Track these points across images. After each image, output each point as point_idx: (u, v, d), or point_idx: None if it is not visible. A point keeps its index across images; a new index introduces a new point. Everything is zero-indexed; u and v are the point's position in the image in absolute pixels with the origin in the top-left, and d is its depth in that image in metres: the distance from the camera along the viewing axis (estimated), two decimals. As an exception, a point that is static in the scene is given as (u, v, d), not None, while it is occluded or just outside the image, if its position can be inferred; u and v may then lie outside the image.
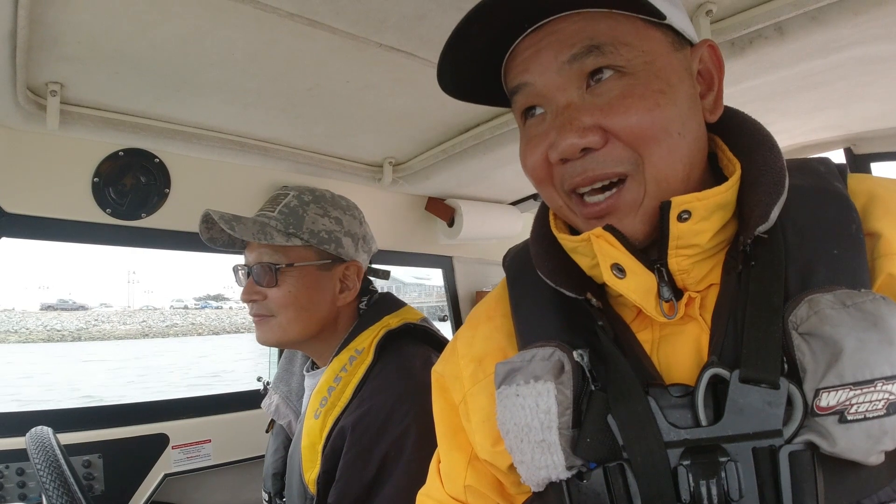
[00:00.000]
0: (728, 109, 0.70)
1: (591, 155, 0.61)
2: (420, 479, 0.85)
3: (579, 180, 0.62)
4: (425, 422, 1.02)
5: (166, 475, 1.66)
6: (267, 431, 1.43)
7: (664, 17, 0.60)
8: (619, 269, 0.61)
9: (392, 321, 1.27)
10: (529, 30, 0.63)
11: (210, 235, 1.29)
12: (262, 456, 1.57)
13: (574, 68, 0.61)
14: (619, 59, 0.60)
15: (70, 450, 1.44)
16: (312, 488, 1.15)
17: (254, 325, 1.28)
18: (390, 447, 1.09)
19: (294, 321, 1.24)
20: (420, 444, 1.07)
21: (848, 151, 1.82)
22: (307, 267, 1.25)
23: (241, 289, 1.28)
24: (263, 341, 1.28)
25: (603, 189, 0.62)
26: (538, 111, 0.66)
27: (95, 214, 1.52)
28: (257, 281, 1.24)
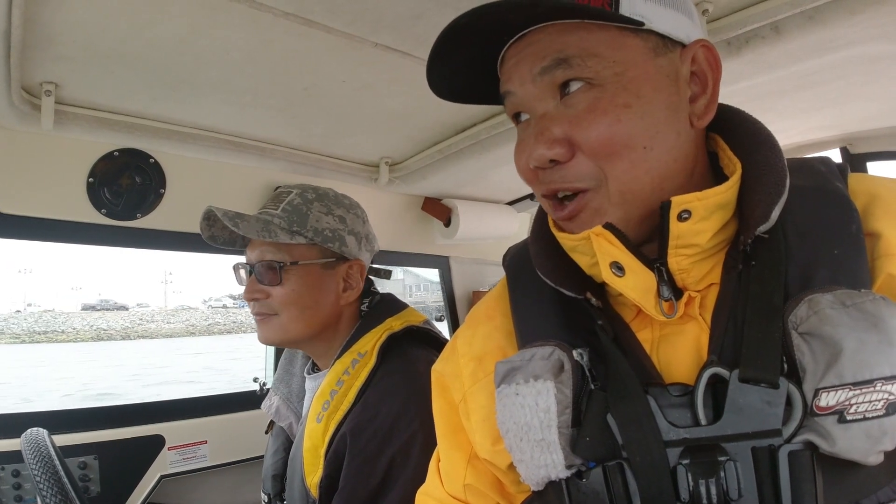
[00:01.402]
0: (729, 109, 0.70)
1: (558, 167, 0.63)
2: None
3: (547, 189, 0.65)
4: (431, 427, 1.03)
5: (162, 476, 1.66)
6: (266, 433, 1.42)
7: (641, 25, 0.60)
8: (618, 268, 0.61)
9: (395, 324, 1.26)
10: (511, 41, 0.65)
11: (211, 233, 1.28)
12: (259, 457, 1.57)
13: (545, 80, 0.62)
14: (586, 71, 0.60)
15: (65, 451, 1.44)
16: (314, 492, 1.15)
17: (257, 324, 1.26)
18: (397, 453, 1.09)
19: (297, 320, 1.23)
20: (426, 450, 1.05)
21: (844, 151, 1.83)
22: (311, 265, 1.24)
23: (243, 287, 1.27)
24: (265, 340, 1.26)
25: (569, 198, 0.64)
26: (524, 117, 0.67)
27: (91, 215, 1.52)
28: (260, 279, 1.22)
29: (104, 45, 1.13)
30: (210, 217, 1.23)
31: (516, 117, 0.69)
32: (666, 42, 0.63)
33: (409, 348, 1.23)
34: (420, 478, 0.87)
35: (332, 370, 1.21)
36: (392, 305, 1.33)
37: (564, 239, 0.67)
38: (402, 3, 1.02)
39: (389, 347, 1.20)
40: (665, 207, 0.60)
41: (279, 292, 1.22)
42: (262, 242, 1.23)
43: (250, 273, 1.25)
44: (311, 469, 1.15)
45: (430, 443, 1.05)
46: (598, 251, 0.62)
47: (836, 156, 1.83)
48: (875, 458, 0.51)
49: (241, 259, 1.31)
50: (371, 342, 1.21)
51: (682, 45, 0.65)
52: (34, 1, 0.96)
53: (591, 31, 0.60)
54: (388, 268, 1.47)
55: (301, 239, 1.22)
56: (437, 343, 1.30)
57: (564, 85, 0.62)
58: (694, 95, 0.65)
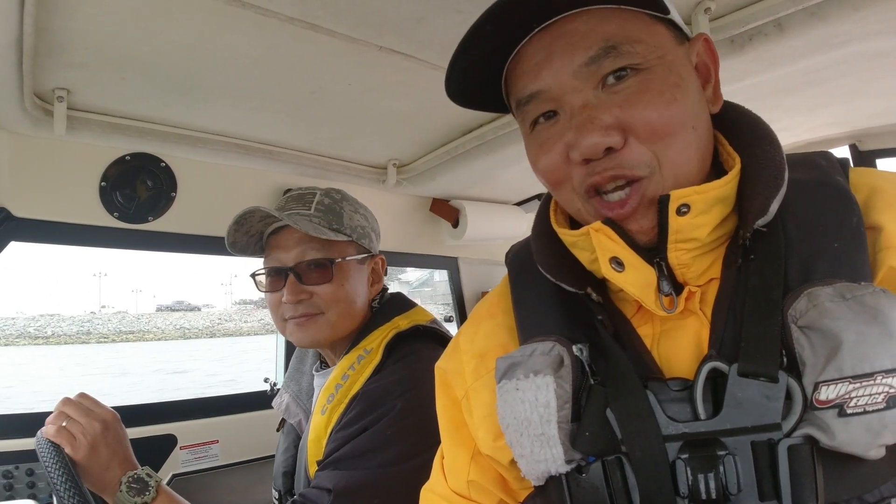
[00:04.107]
0: (728, 104, 0.70)
1: (612, 155, 0.61)
2: (383, 455, 0.99)
3: (599, 179, 0.61)
4: (414, 408, 1.06)
5: (174, 475, 1.67)
6: (278, 430, 1.44)
7: (668, 12, 0.61)
8: (617, 263, 0.62)
9: (402, 322, 1.27)
10: (536, 29, 0.63)
11: (234, 238, 1.24)
12: (270, 457, 1.58)
13: (590, 70, 0.61)
14: (635, 57, 0.60)
15: (79, 451, 1.45)
16: None
17: (295, 327, 1.23)
18: (370, 422, 1.10)
19: (344, 315, 1.24)
20: (398, 426, 1.08)
21: (853, 148, 1.81)
22: (351, 261, 1.27)
23: (271, 294, 1.25)
24: (311, 342, 1.25)
25: (621, 187, 0.62)
26: (546, 116, 0.65)
27: (103, 218, 1.54)
28: (301, 279, 1.21)
29: (115, 52, 1.15)
30: (240, 221, 1.20)
31: (537, 119, 0.66)
32: (680, 33, 0.65)
33: (415, 346, 1.24)
34: (385, 452, 0.87)
35: (338, 365, 1.22)
36: (401, 304, 1.35)
37: (565, 234, 0.68)
38: (404, 6, 1.03)
39: (395, 345, 1.22)
40: (663, 201, 0.60)
41: (327, 290, 1.21)
42: (300, 243, 1.22)
43: (286, 276, 1.22)
44: (314, 460, 1.17)
45: (407, 422, 1.08)
46: (597, 246, 0.62)
47: (845, 153, 1.82)
48: (876, 452, 0.51)
49: (255, 268, 1.29)
50: (377, 339, 1.22)
51: (686, 39, 0.67)
52: (46, 9, 0.98)
53: (627, 19, 0.61)
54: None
55: (342, 236, 1.25)
56: (444, 341, 1.31)
57: (608, 74, 0.61)
58: (700, 85, 0.67)
